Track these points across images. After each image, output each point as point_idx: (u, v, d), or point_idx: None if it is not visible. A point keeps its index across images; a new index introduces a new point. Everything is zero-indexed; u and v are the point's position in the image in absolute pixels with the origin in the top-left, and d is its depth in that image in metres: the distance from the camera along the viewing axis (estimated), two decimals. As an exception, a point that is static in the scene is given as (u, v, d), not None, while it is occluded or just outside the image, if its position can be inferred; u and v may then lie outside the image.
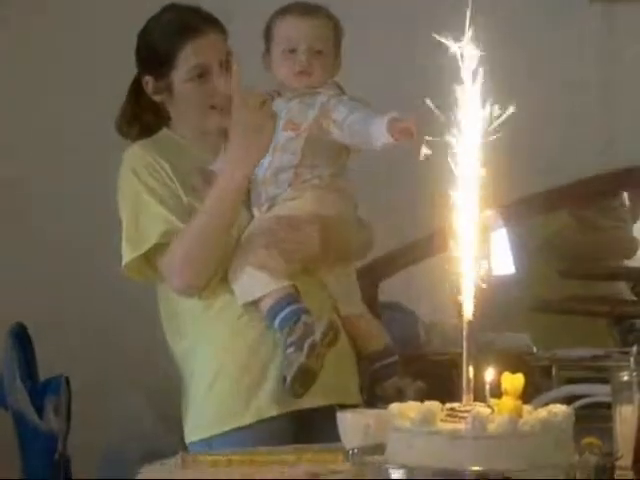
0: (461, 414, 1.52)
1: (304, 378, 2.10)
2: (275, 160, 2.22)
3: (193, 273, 2.19)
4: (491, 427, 1.44)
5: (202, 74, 2.25)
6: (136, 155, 2.26)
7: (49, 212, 3.54)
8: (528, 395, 1.59)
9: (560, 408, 1.55)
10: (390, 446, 1.53)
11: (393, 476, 1.45)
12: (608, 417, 1.94)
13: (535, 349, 3.72)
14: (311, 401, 2.18)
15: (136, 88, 2.36)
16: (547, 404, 2.34)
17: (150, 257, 2.20)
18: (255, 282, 2.18)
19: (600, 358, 3.53)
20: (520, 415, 1.52)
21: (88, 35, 3.64)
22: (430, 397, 2.37)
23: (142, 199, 2.21)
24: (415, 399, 2.21)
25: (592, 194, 3.74)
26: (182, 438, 2.32)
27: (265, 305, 2.17)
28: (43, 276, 3.48)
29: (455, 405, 1.56)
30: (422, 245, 3.56)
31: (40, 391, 2.68)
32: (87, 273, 3.48)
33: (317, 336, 2.10)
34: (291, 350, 2.10)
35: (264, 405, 2.18)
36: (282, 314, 2.15)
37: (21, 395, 2.63)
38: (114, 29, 3.47)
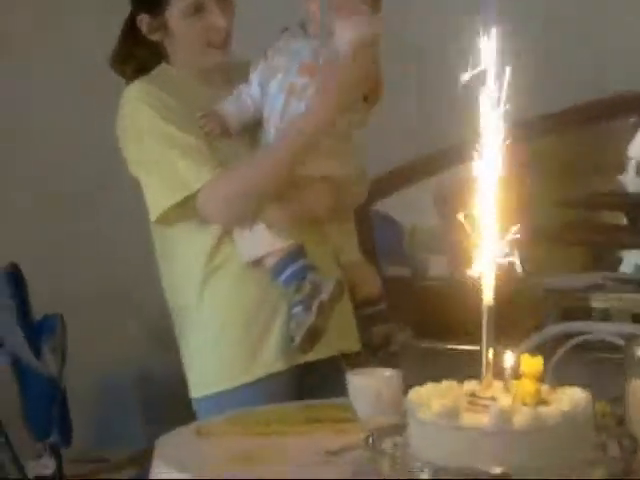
0: (483, 402, 1.51)
1: (313, 338, 2.08)
2: (290, 106, 2.12)
3: (248, 209, 2.12)
4: (516, 421, 1.42)
5: (197, 10, 2.14)
6: (144, 90, 2.16)
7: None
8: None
9: (580, 395, 1.52)
10: (414, 439, 1.52)
11: (422, 476, 1.43)
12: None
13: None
14: (316, 353, 2.15)
15: (130, 26, 2.24)
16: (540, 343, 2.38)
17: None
18: (260, 239, 2.12)
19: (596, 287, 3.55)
20: (540, 399, 1.52)
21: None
22: (420, 329, 2.42)
23: (173, 135, 2.10)
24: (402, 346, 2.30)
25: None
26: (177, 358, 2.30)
27: (270, 261, 2.13)
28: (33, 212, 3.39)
29: (475, 389, 1.55)
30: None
31: (36, 330, 2.66)
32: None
33: (325, 295, 2.07)
34: (299, 309, 2.08)
35: (270, 360, 2.15)
36: (288, 271, 2.11)
37: (18, 338, 2.61)
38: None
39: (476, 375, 1.72)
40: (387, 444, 1.58)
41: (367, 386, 1.89)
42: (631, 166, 3.91)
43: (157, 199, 2.12)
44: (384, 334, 2.32)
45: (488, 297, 1.57)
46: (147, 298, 2.80)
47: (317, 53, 2.13)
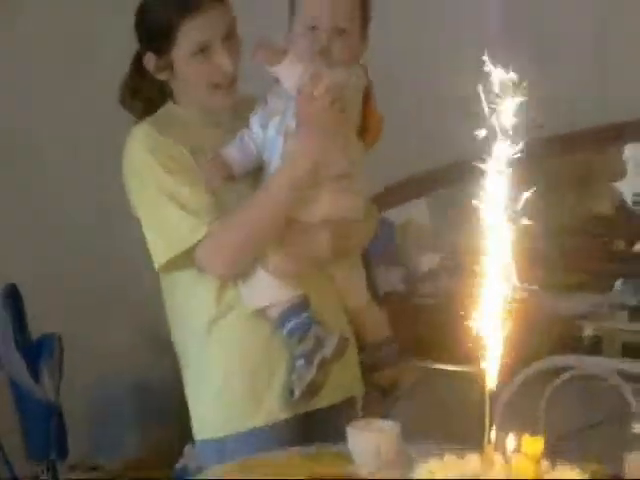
0: None
1: (312, 392, 2.07)
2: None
3: (243, 261, 2.09)
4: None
5: (203, 51, 2.10)
6: (150, 137, 2.12)
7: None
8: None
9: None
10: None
11: None
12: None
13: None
14: (320, 402, 2.14)
15: (138, 62, 2.20)
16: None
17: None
18: (264, 288, 2.09)
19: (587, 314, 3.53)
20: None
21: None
22: (419, 348, 2.42)
23: (174, 189, 2.08)
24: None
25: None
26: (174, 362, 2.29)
27: (274, 312, 2.10)
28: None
29: (477, 471, 1.56)
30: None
31: (34, 350, 2.65)
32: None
33: (327, 351, 2.05)
34: (301, 363, 2.06)
35: (274, 408, 2.13)
36: (292, 323, 2.09)
37: (17, 362, 2.61)
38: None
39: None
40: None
41: (366, 440, 1.90)
42: (629, 167, 3.89)
43: (157, 250, 2.11)
44: (392, 377, 2.30)
45: (490, 383, 1.59)
46: (142, 307, 2.74)
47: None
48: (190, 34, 2.08)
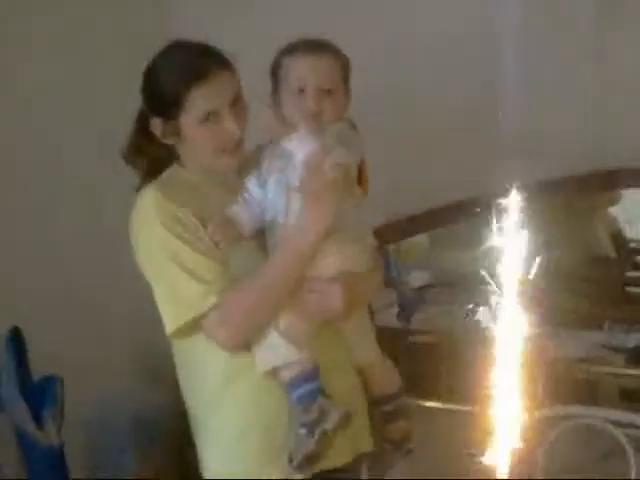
0: None
1: (311, 463, 2.08)
2: (293, 204, 2.11)
3: (252, 330, 2.10)
4: None
5: (212, 117, 2.12)
6: (160, 204, 2.12)
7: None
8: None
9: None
10: None
11: None
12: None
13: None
14: (334, 462, 2.16)
15: (142, 122, 2.23)
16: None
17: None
18: (275, 349, 2.09)
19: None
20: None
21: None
22: (413, 385, 2.42)
23: (184, 257, 2.08)
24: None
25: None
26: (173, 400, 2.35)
27: (285, 375, 2.10)
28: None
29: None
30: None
31: (36, 392, 2.61)
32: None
33: (329, 426, 2.06)
34: (303, 431, 2.07)
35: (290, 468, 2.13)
36: (301, 390, 2.09)
37: (21, 407, 2.56)
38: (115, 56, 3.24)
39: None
40: None
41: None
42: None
43: (168, 317, 2.12)
44: (404, 430, 2.33)
45: None
46: (139, 335, 2.69)
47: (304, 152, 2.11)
48: (198, 102, 2.10)
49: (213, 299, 2.04)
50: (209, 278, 2.06)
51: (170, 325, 2.11)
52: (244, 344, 2.10)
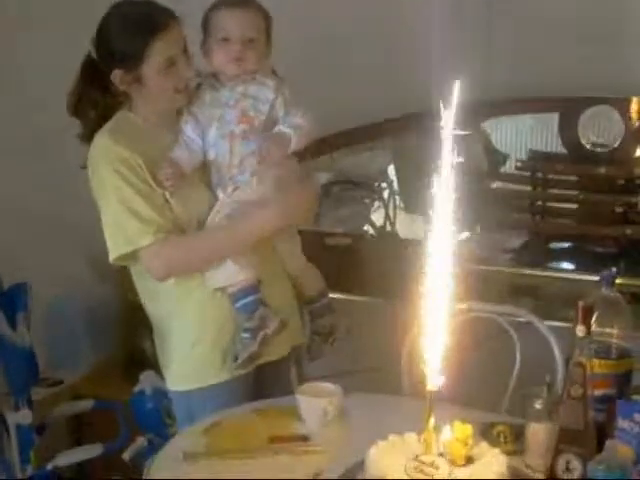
0: (427, 469, 1.80)
1: (252, 360, 2.38)
2: (236, 148, 2.36)
3: (182, 271, 2.38)
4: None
5: (170, 64, 2.30)
6: (111, 149, 2.30)
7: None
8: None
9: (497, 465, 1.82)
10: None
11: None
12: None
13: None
14: (271, 355, 2.47)
15: (88, 70, 2.36)
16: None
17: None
18: (224, 271, 2.35)
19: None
20: (468, 459, 1.82)
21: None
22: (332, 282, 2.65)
23: (129, 197, 2.27)
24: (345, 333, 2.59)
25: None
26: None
27: (231, 290, 2.37)
28: None
29: (421, 456, 1.82)
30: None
31: (8, 299, 2.80)
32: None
33: (269, 331, 2.36)
34: (247, 335, 2.36)
35: (234, 367, 2.41)
36: (244, 301, 2.37)
37: None
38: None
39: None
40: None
41: (314, 405, 2.21)
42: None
43: (111, 247, 2.33)
44: (330, 324, 2.62)
45: (432, 384, 1.82)
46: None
47: (239, 100, 2.36)
48: (160, 51, 2.28)
49: (150, 237, 2.27)
50: (148, 218, 2.27)
51: (112, 254, 2.33)
52: (169, 277, 2.35)
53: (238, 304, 2.38)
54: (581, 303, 1.94)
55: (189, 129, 2.38)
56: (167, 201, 2.32)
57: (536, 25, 3.19)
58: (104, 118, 2.37)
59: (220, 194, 2.39)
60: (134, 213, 2.28)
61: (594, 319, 1.99)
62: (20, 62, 3.36)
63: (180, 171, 2.33)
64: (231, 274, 2.36)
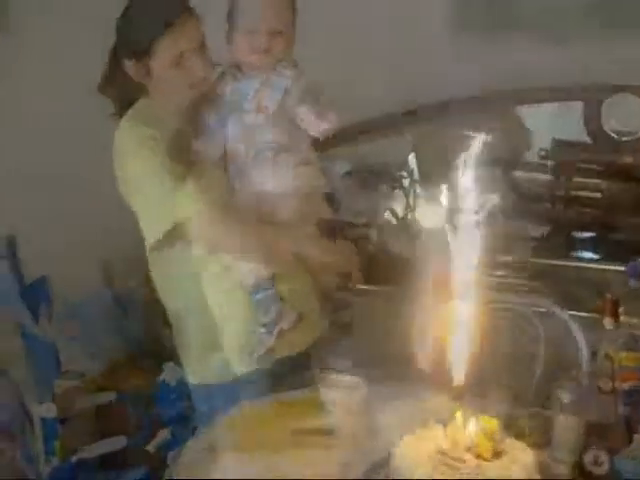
0: (452, 463, 1.78)
1: (269, 356, 2.36)
2: (249, 142, 2.32)
3: (226, 250, 2.35)
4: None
5: (181, 59, 2.25)
6: (134, 132, 2.28)
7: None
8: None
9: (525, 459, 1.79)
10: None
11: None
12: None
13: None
14: (290, 350, 2.42)
15: (114, 58, 2.34)
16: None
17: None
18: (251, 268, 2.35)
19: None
20: (495, 453, 1.79)
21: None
22: None
23: (162, 175, 2.24)
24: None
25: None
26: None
27: (248, 282, 2.35)
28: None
29: (444, 447, 1.79)
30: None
31: (32, 292, 2.79)
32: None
33: (285, 325, 2.35)
34: (263, 331, 2.34)
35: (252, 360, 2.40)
36: (260, 295, 2.35)
37: (21, 307, 2.75)
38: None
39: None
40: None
41: (337, 398, 2.16)
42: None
43: (152, 227, 2.29)
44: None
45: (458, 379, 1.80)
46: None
47: (258, 91, 2.31)
48: (168, 47, 2.24)
49: (200, 204, 2.23)
50: (190, 190, 2.22)
51: (154, 234, 2.27)
52: (219, 249, 2.32)
53: (256, 297, 2.35)
54: (608, 295, 1.93)
55: (211, 120, 2.34)
56: None
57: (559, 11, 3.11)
58: (129, 101, 2.34)
59: (237, 185, 2.36)
60: (173, 187, 2.23)
61: (621, 311, 1.96)
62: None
63: (203, 157, 2.31)
64: (250, 267, 2.35)
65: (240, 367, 2.40)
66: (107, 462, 3.02)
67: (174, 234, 2.28)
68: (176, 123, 2.33)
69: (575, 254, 3.06)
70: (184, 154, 2.28)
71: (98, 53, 2.33)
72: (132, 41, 2.27)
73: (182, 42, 2.25)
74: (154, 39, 2.23)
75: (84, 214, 3.38)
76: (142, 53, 2.25)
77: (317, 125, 2.31)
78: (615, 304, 1.91)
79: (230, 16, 2.34)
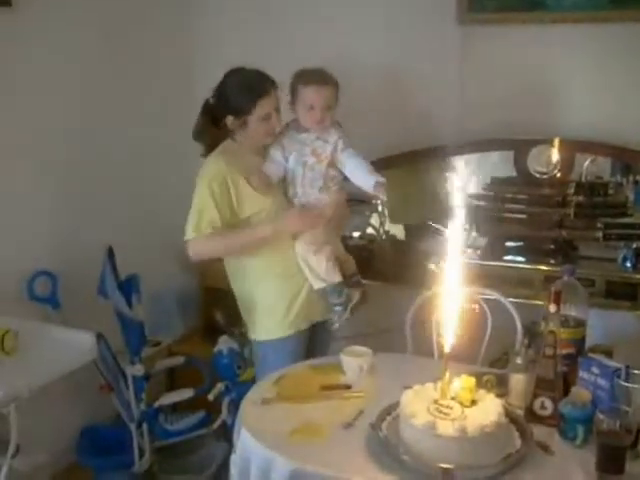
0: (444, 410, 1.70)
1: (345, 324, 2.40)
2: (307, 175, 2.34)
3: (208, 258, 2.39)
4: (469, 430, 1.62)
5: (268, 118, 2.29)
6: (212, 168, 2.29)
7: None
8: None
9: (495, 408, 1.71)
10: (405, 433, 1.70)
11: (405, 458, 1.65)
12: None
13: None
14: (319, 317, 2.46)
15: (208, 112, 2.35)
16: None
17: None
18: (321, 269, 2.35)
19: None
20: (473, 401, 1.73)
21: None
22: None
23: (207, 200, 2.26)
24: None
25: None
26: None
27: (320, 287, 2.38)
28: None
29: (439, 400, 1.73)
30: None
31: (126, 285, 2.69)
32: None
33: (355, 302, 2.39)
34: (339, 309, 2.37)
35: (300, 322, 2.42)
36: (329, 289, 2.37)
37: (118, 297, 2.65)
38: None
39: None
40: (384, 426, 1.78)
41: (353, 363, 2.12)
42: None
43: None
44: (362, 292, 2.48)
45: (449, 341, 1.71)
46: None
47: (313, 141, 2.33)
48: (263, 108, 2.28)
49: (194, 234, 2.26)
50: (204, 223, 2.25)
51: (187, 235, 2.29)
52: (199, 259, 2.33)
53: (325, 291, 2.37)
54: (553, 288, 1.86)
55: (277, 154, 2.35)
56: (232, 207, 2.29)
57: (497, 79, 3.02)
58: (214, 144, 2.36)
59: (295, 202, 2.38)
60: (200, 217, 2.26)
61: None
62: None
63: (268, 179, 2.32)
64: (329, 275, 2.36)
65: (289, 329, 2.40)
66: (179, 407, 2.91)
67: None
68: (252, 157, 2.35)
69: (507, 257, 3.00)
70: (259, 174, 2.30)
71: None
72: (237, 104, 2.29)
73: (270, 105, 2.29)
74: (255, 103, 2.26)
75: (166, 222, 3.17)
76: (243, 112, 2.28)
77: (369, 188, 2.28)
78: (558, 294, 1.83)
79: (293, 91, 2.34)
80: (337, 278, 2.37)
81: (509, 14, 2.91)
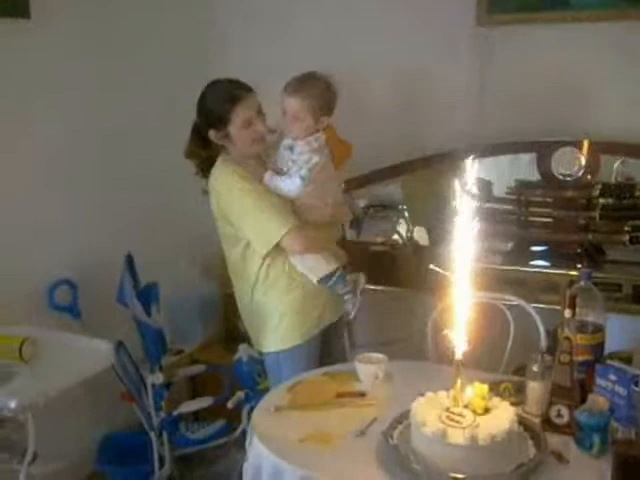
0: (456, 418, 1.69)
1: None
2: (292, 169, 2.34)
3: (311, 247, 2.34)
4: (480, 438, 1.60)
5: (248, 123, 2.28)
6: (229, 173, 2.30)
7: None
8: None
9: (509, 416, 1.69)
10: (415, 441, 1.70)
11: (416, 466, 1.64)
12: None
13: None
14: (331, 318, 2.47)
15: (196, 131, 2.38)
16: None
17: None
18: (317, 263, 2.35)
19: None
20: (486, 409, 1.71)
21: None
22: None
23: (262, 203, 2.25)
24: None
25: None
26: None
27: (318, 275, 2.36)
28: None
29: (451, 408, 1.71)
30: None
31: (145, 293, 2.73)
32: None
33: (362, 285, 2.38)
34: (349, 296, 2.36)
35: (310, 331, 2.42)
36: (331, 281, 2.36)
37: (137, 305, 2.69)
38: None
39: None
40: (395, 434, 1.78)
41: (368, 370, 2.12)
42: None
43: (260, 245, 2.29)
44: (353, 280, 2.43)
45: (459, 354, 1.69)
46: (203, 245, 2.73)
47: (284, 151, 2.35)
48: (240, 115, 2.28)
49: (287, 227, 2.23)
50: (281, 216, 2.24)
51: (264, 249, 2.27)
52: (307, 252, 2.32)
53: (329, 284, 2.35)
54: (568, 292, 1.85)
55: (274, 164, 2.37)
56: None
57: (517, 81, 3.00)
58: (208, 163, 2.36)
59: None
60: (270, 214, 2.24)
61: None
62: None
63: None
64: (324, 265, 2.35)
65: (302, 337, 2.40)
66: (200, 415, 2.95)
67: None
68: (252, 162, 2.35)
69: (533, 263, 2.98)
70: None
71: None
72: (215, 116, 2.29)
73: (247, 111, 2.28)
74: (230, 112, 2.26)
75: (187, 232, 3.30)
76: (223, 123, 2.28)
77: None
78: (573, 299, 1.81)
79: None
80: (333, 265, 2.35)
81: (529, 14, 2.90)
